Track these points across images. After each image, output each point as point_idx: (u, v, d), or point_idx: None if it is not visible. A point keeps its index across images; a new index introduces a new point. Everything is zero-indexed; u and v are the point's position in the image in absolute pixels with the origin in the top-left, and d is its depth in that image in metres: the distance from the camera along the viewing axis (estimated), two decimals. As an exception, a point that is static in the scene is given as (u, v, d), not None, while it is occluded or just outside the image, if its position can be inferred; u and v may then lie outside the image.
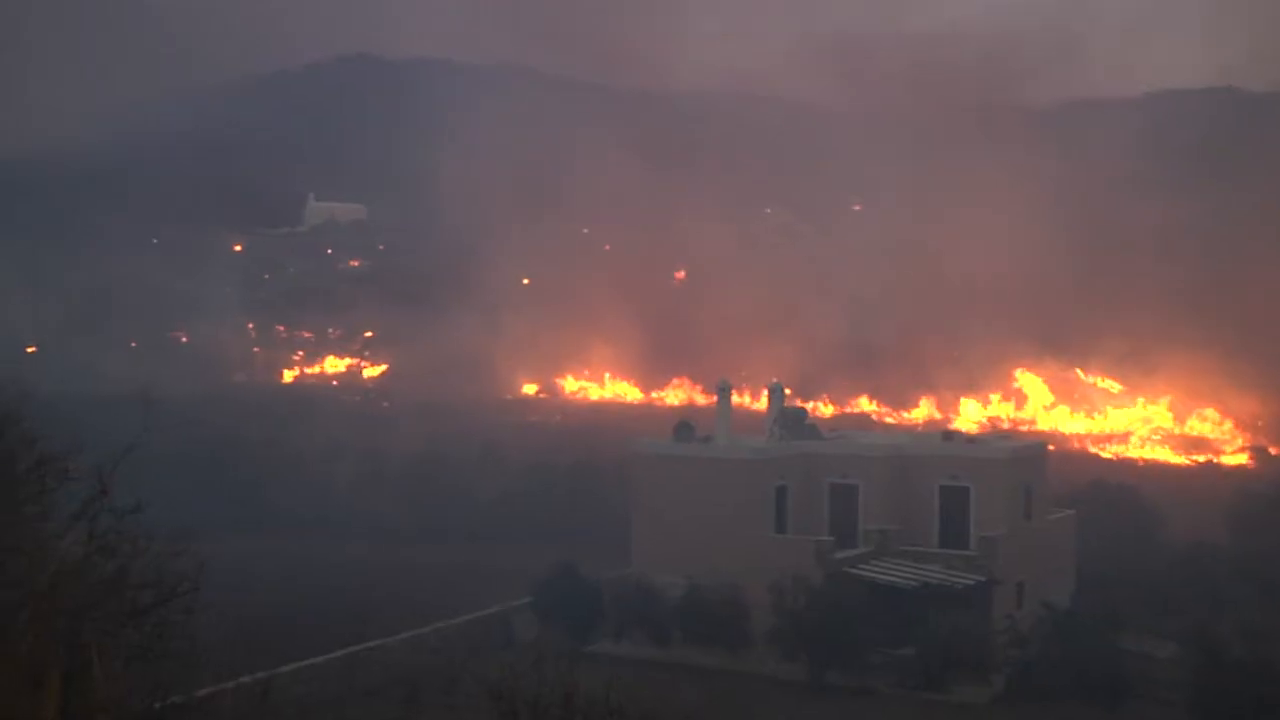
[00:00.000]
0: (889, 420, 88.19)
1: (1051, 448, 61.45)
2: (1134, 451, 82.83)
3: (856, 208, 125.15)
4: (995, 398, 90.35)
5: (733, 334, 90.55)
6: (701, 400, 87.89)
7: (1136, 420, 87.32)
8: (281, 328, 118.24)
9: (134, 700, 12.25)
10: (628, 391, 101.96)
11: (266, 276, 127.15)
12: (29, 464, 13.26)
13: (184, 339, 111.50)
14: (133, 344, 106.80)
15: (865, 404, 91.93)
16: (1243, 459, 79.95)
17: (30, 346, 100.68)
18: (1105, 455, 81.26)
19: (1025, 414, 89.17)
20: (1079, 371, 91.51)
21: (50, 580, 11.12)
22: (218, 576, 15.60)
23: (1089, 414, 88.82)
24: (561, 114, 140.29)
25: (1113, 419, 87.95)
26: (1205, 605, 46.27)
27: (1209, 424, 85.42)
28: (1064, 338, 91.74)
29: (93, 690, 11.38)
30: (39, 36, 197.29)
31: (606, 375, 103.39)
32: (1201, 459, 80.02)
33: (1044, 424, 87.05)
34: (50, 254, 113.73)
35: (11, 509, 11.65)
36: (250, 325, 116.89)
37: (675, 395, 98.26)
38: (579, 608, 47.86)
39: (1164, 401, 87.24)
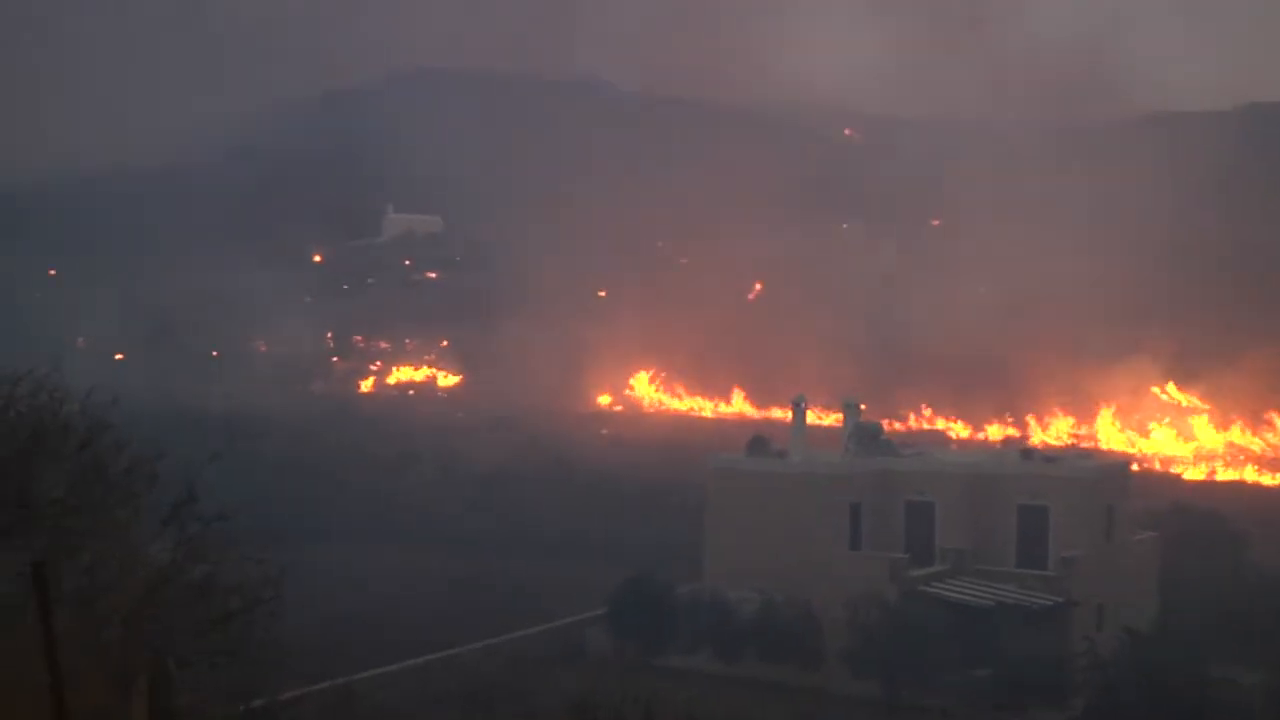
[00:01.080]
0: (974, 435, 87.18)
1: (1134, 468, 60.33)
2: (1218, 473, 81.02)
3: (934, 222, 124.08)
4: (1068, 418, 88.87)
5: (805, 348, 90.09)
6: (777, 414, 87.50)
7: (1219, 440, 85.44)
8: (359, 338, 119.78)
9: (219, 705, 12.45)
10: (702, 405, 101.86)
11: (345, 287, 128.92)
12: (119, 470, 13.50)
13: (264, 348, 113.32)
14: (215, 353, 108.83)
15: (940, 421, 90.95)
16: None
17: (118, 354, 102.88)
18: (1187, 477, 79.54)
19: (1102, 432, 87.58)
20: (1158, 390, 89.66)
21: (144, 585, 11.34)
22: (297, 584, 15.77)
23: (1173, 433, 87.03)
24: (637, 128, 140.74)
25: (1197, 439, 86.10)
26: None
27: None
28: (1144, 354, 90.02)
29: (179, 695, 11.56)
30: (122, 54, 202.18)
31: (680, 388, 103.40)
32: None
33: (1120, 443, 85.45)
34: (135, 265, 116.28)
35: (104, 513, 11.89)
36: (329, 335, 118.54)
37: (747, 408, 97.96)
38: (651, 621, 47.80)
39: (1239, 422, 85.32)
